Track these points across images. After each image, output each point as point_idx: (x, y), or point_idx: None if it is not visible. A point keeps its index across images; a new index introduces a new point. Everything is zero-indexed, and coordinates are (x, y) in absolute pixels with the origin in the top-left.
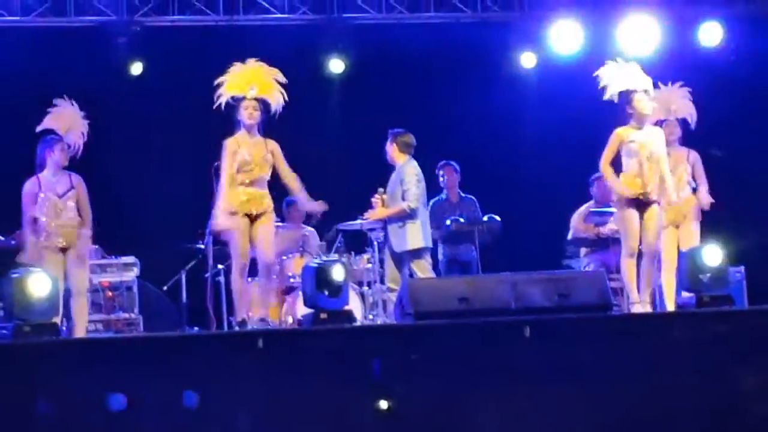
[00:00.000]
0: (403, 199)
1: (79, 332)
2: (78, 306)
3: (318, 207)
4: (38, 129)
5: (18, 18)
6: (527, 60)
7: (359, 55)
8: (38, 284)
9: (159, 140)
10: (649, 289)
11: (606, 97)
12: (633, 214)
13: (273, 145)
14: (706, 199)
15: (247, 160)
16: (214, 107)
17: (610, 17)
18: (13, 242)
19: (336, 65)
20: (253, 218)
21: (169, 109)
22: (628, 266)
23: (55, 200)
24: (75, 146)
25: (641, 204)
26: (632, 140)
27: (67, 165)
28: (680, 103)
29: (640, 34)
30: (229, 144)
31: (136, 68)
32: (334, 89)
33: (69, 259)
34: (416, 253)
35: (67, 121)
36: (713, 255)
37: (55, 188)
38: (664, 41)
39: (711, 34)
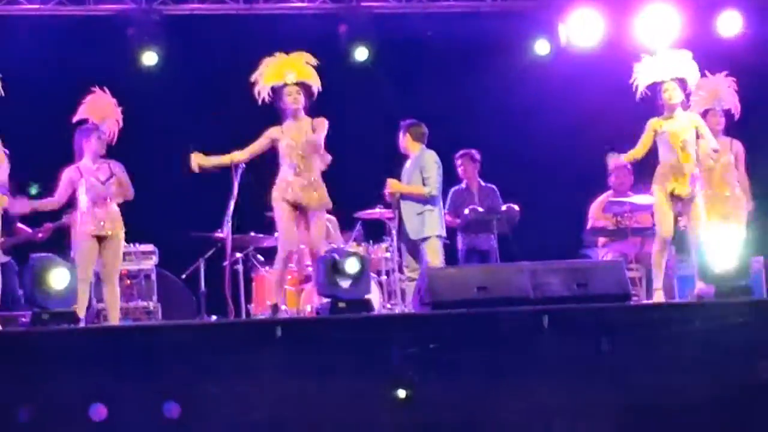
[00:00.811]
0: (425, 185)
1: (113, 318)
2: (109, 293)
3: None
4: (75, 119)
5: (38, 6)
6: (546, 49)
7: (378, 45)
8: (56, 274)
9: (179, 128)
10: None
11: (638, 97)
12: (666, 202)
13: (318, 121)
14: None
15: (291, 145)
16: (260, 102)
17: (628, 7)
18: (40, 235)
19: (355, 54)
20: (303, 209)
21: (189, 98)
22: (656, 254)
23: (99, 187)
24: (111, 134)
25: (678, 196)
26: (664, 130)
27: (104, 153)
28: (726, 93)
29: (659, 24)
30: (273, 130)
31: (155, 57)
32: (354, 78)
33: (106, 246)
34: (431, 239)
35: (102, 109)
36: (728, 245)
37: (98, 175)
38: (683, 31)
39: (730, 23)
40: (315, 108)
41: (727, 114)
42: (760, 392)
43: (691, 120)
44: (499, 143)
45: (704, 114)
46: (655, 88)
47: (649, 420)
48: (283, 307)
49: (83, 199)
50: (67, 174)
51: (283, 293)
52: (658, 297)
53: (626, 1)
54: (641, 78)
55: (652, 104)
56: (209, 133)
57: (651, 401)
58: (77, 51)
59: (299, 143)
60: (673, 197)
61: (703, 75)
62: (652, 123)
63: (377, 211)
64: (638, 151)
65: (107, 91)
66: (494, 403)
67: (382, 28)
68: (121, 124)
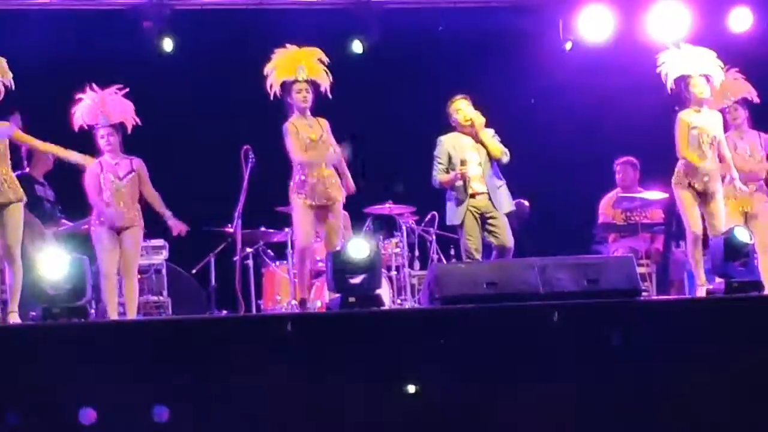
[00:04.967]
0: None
1: (131, 314)
2: (128, 287)
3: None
4: (76, 130)
5: (48, 0)
6: (556, 45)
7: (388, 39)
8: (52, 269)
9: (189, 124)
10: None
11: (668, 87)
12: (691, 197)
13: (324, 122)
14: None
15: (308, 143)
16: (271, 97)
17: (639, 3)
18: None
19: (366, 49)
20: (320, 206)
21: (199, 92)
22: (692, 250)
23: (117, 182)
24: (129, 122)
25: (700, 192)
26: (694, 126)
27: (117, 147)
28: (733, 85)
29: (670, 20)
30: (290, 126)
31: (166, 52)
32: (362, 73)
33: (125, 241)
34: None
35: (94, 108)
36: (742, 237)
37: (116, 171)
38: (694, 27)
39: (741, 19)
40: (328, 103)
41: (748, 104)
42: None
43: (718, 118)
44: (510, 138)
45: (722, 113)
46: (680, 81)
47: (660, 415)
48: (293, 302)
49: (101, 193)
50: (89, 169)
51: (308, 287)
52: (701, 293)
53: None
54: (670, 69)
55: (677, 97)
56: (219, 128)
57: (661, 396)
58: (87, 46)
59: (315, 141)
60: (697, 193)
61: None
62: (683, 118)
63: (387, 207)
64: (690, 153)
65: (94, 86)
66: (503, 399)
67: (393, 23)
68: (130, 110)
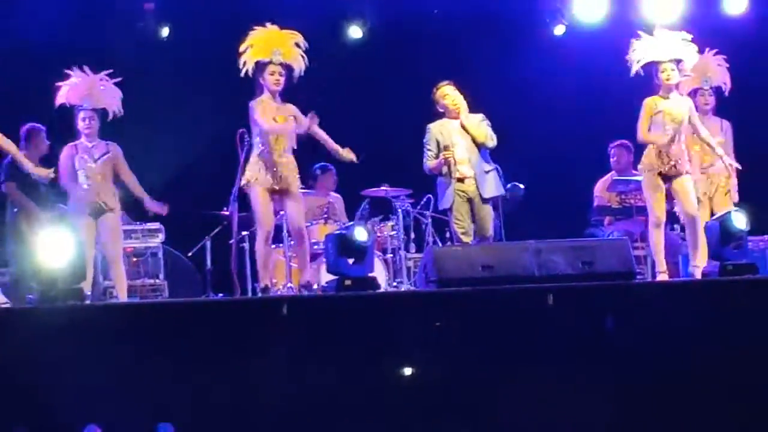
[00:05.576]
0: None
1: (122, 297)
2: (115, 273)
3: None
4: (56, 106)
5: None
6: (552, 28)
7: (382, 21)
8: (50, 252)
9: (184, 106)
10: (698, 253)
11: (632, 72)
12: (657, 183)
13: (292, 107)
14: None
15: (273, 126)
16: (242, 74)
17: None
18: None
19: (360, 31)
20: (281, 190)
21: (195, 75)
22: (654, 236)
23: (91, 165)
24: (111, 109)
25: (668, 176)
26: (659, 110)
27: (96, 131)
28: (714, 70)
29: (665, 2)
30: (258, 102)
31: (162, 34)
32: (357, 55)
33: (102, 225)
34: None
35: (81, 90)
36: (738, 222)
37: (91, 153)
38: (689, 9)
39: (736, 2)
40: (319, 86)
41: (718, 92)
42: (765, 370)
43: (686, 103)
44: (505, 121)
45: (693, 93)
46: (651, 67)
47: (654, 398)
48: (289, 285)
49: (76, 177)
50: (65, 152)
51: (270, 273)
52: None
53: None
54: (638, 56)
55: (648, 83)
56: (214, 111)
57: (656, 379)
58: (83, 28)
59: (282, 125)
60: (663, 177)
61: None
62: (648, 103)
63: (383, 189)
64: (650, 136)
65: (86, 69)
66: (499, 380)
67: (387, 6)
68: (118, 98)
